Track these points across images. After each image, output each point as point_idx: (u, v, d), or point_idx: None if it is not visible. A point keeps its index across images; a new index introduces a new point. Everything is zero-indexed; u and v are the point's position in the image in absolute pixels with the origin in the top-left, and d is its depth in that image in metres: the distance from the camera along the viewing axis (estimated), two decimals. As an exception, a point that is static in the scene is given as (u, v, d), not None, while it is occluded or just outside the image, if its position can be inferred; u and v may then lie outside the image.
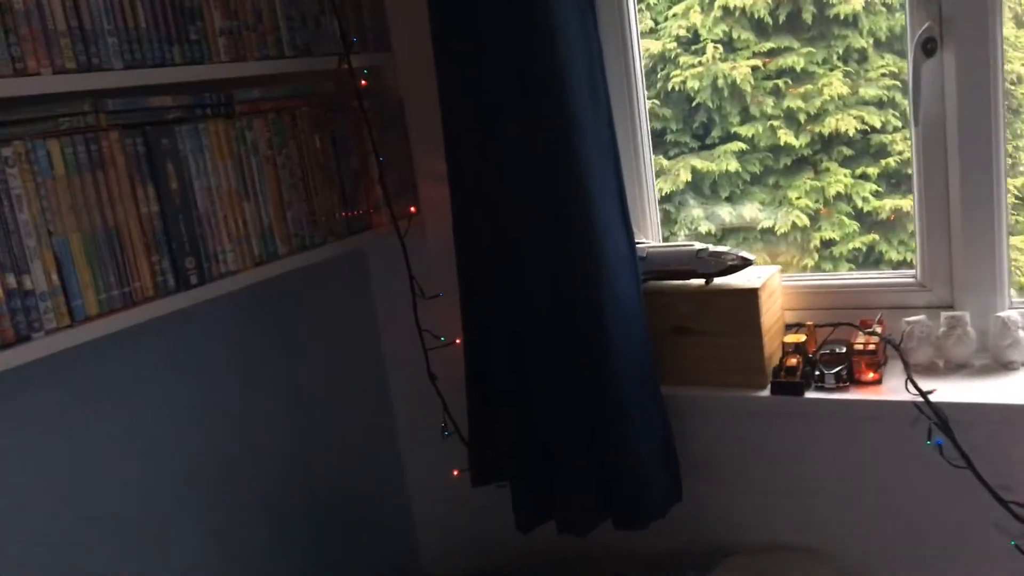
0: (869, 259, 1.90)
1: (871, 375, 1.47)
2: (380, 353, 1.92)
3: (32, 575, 1.23)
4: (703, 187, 1.99)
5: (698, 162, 1.97)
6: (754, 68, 1.91)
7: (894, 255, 1.90)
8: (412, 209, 1.70)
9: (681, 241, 1.70)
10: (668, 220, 1.99)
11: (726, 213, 1.97)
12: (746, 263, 1.54)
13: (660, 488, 1.53)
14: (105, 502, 1.34)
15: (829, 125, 1.88)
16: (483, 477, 1.67)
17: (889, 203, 1.89)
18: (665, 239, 1.78)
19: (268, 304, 1.63)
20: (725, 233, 1.97)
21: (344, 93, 1.56)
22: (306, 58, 1.49)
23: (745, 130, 1.92)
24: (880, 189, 1.88)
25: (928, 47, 1.42)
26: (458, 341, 1.66)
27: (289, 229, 1.44)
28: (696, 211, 1.99)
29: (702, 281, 1.57)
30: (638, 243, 1.60)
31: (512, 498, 1.61)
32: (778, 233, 1.93)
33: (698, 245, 1.57)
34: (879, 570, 1.54)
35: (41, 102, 1.09)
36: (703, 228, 1.98)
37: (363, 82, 1.57)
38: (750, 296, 1.51)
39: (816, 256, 1.93)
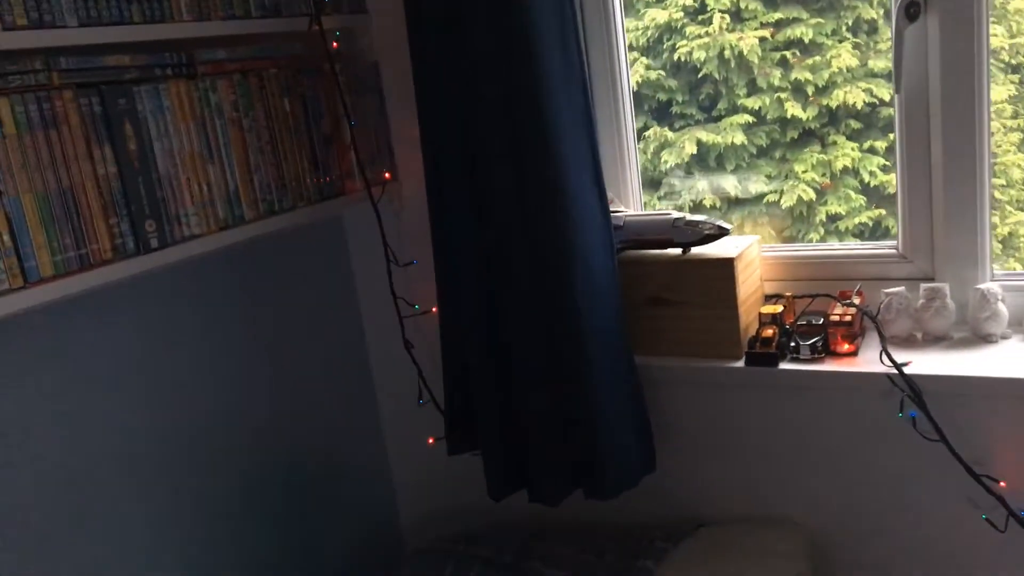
0: (876, 233, 1.88)
1: (847, 347, 1.45)
2: (359, 321, 1.91)
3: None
4: (709, 160, 1.96)
5: (704, 134, 1.94)
6: (762, 39, 1.87)
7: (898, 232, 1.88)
8: (386, 175, 1.68)
9: (658, 210, 1.67)
10: (672, 194, 1.97)
11: (731, 186, 1.95)
12: (723, 232, 1.51)
13: (632, 458, 1.51)
14: (65, 472, 1.33)
15: (837, 97, 1.85)
16: (458, 446, 1.67)
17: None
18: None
19: (244, 270, 1.62)
20: (730, 206, 1.95)
21: (315, 55, 1.53)
22: (274, 19, 1.46)
23: (752, 102, 1.90)
24: (888, 163, 1.85)
25: (911, 11, 1.38)
26: (434, 310, 1.64)
27: (256, 193, 1.42)
28: (701, 184, 1.96)
29: (679, 251, 1.54)
30: (614, 212, 1.57)
31: (484, 467, 1.60)
32: (783, 207, 1.91)
33: (675, 214, 1.54)
34: (850, 541, 1.53)
35: (-10, 59, 1.07)
36: (707, 202, 1.95)
37: (335, 44, 1.54)
38: (726, 266, 1.49)
39: (821, 230, 1.91)
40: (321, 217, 1.65)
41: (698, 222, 1.52)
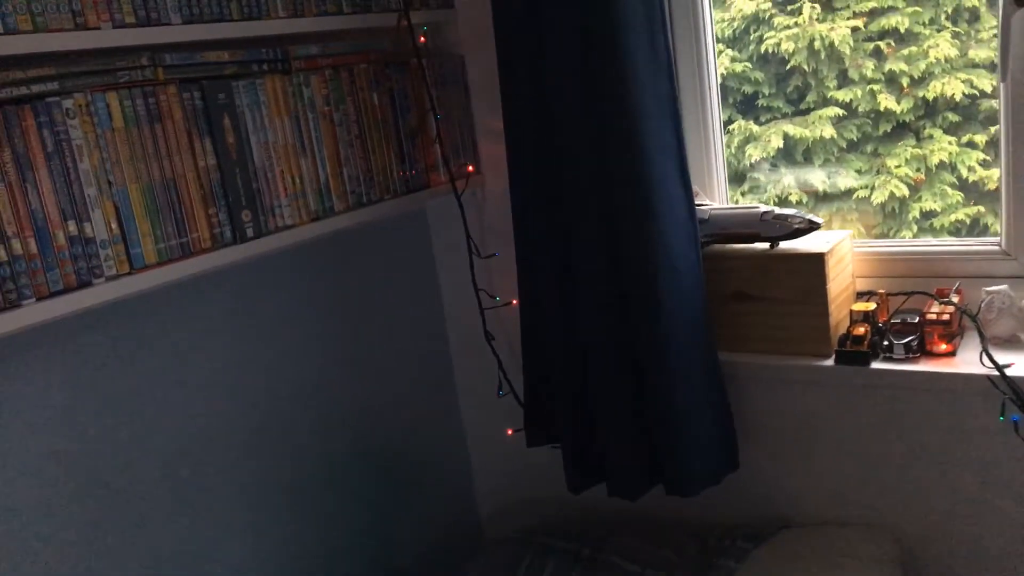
0: (973, 231, 1.79)
1: (944, 346, 1.40)
2: (440, 311, 1.94)
3: (82, 518, 1.30)
4: (796, 154, 1.91)
5: (791, 128, 1.89)
6: (854, 29, 1.81)
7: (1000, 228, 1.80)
8: (470, 168, 1.69)
9: (746, 203, 1.64)
10: (757, 187, 1.92)
11: (818, 181, 1.89)
12: (813, 227, 1.47)
13: (713, 456, 1.49)
14: (160, 451, 1.39)
15: (934, 89, 1.76)
16: (537, 438, 1.68)
17: (997, 173, 1.77)
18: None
19: (330, 260, 1.66)
20: (817, 202, 1.89)
21: (403, 50, 1.56)
22: (365, 14, 1.49)
23: (843, 95, 1.83)
24: (988, 158, 1.77)
25: (1021, -5, 1.31)
26: (514, 302, 1.65)
27: (346, 186, 1.46)
28: (787, 179, 1.92)
29: (766, 245, 1.51)
30: (700, 204, 1.55)
31: (563, 460, 1.60)
32: (874, 203, 1.84)
33: (763, 207, 1.51)
34: (942, 548, 1.48)
35: (100, 56, 1.12)
36: (793, 197, 1.90)
37: (422, 38, 1.56)
38: (816, 261, 1.45)
39: (915, 228, 1.84)
40: (406, 209, 1.67)
41: (787, 216, 1.48)
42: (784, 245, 1.50)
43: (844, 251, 1.52)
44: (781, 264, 1.48)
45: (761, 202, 1.90)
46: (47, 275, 1.06)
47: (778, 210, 1.50)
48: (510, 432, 1.73)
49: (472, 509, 2.05)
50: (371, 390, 1.77)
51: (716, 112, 1.67)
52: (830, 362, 1.46)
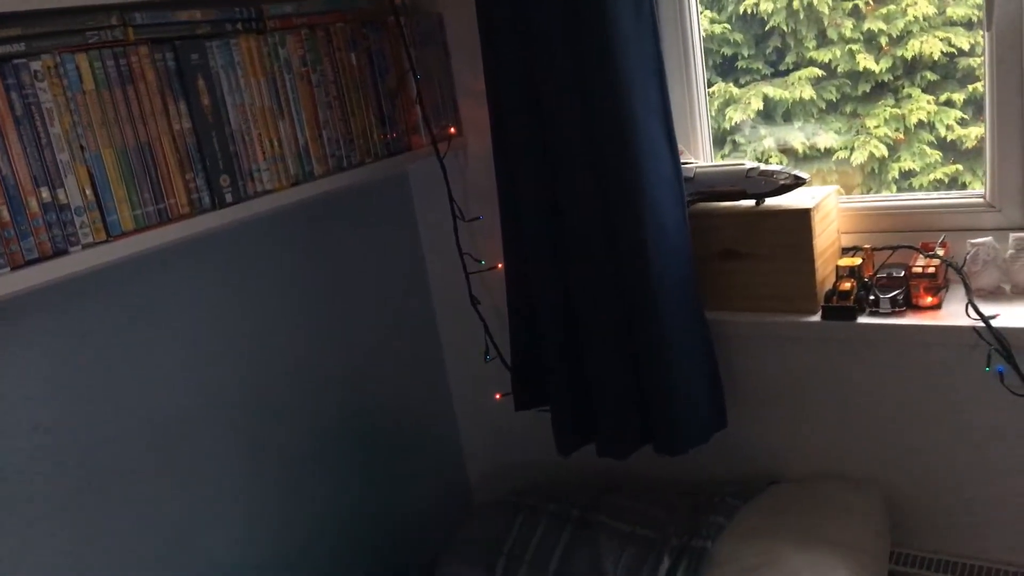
0: (952, 191, 1.79)
1: (929, 299, 1.40)
2: (425, 276, 1.92)
3: (66, 493, 1.27)
4: (776, 115, 1.90)
5: (771, 89, 1.87)
6: (833, -12, 1.79)
7: (979, 186, 1.80)
8: (451, 130, 1.67)
9: (731, 161, 1.63)
10: (737, 150, 1.91)
11: (798, 142, 1.88)
12: (799, 182, 1.47)
13: (702, 414, 1.50)
14: (144, 425, 1.37)
15: (912, 48, 1.75)
16: (525, 401, 1.67)
17: (975, 131, 1.77)
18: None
19: (311, 226, 1.63)
20: (797, 163, 1.89)
21: (380, 8, 1.52)
22: (340, -29, 1.45)
23: (821, 55, 1.82)
24: (966, 116, 1.76)
25: (1007, -59, 1.30)
26: (499, 266, 1.64)
27: (325, 149, 1.43)
28: (767, 140, 1.91)
29: (752, 202, 1.50)
30: (685, 163, 1.54)
31: (552, 421, 1.60)
32: (854, 164, 1.84)
33: (748, 164, 1.50)
34: (929, 500, 1.50)
35: (68, 15, 1.08)
36: (774, 160, 1.89)
37: (399, -4, 1.53)
38: (802, 217, 1.44)
39: (894, 188, 1.84)
40: (388, 173, 1.65)
41: (773, 172, 1.47)
42: (770, 202, 1.49)
43: (830, 207, 1.52)
44: (767, 221, 1.48)
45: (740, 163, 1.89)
46: (21, 243, 1.03)
47: (763, 167, 1.49)
48: (498, 396, 1.72)
49: (462, 473, 2.06)
50: (357, 357, 1.75)
51: (700, 71, 1.65)
52: (817, 318, 1.46)
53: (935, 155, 1.81)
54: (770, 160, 1.88)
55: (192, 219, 1.22)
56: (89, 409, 1.29)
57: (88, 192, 1.10)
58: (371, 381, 1.79)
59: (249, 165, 1.30)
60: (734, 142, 1.94)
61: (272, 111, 1.34)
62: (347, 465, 1.74)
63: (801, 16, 1.81)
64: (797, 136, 1.90)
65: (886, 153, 1.83)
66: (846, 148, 1.86)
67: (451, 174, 1.66)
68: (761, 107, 1.89)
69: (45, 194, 1.05)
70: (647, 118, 1.38)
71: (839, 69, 1.82)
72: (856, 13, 1.79)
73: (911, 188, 1.83)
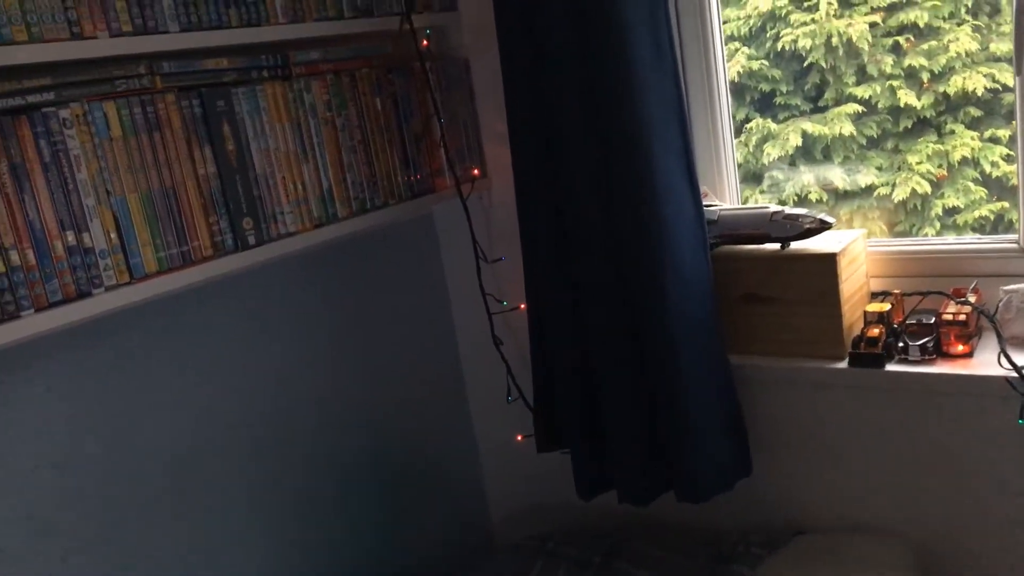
0: (998, 228, 1.76)
1: (960, 348, 1.36)
2: (449, 316, 1.92)
3: (85, 531, 1.29)
4: (815, 152, 1.88)
5: (809, 125, 1.86)
6: (872, 24, 1.78)
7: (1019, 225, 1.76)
8: (475, 171, 1.68)
9: (756, 204, 1.61)
10: (775, 186, 1.90)
11: (838, 179, 1.86)
12: (825, 226, 1.44)
13: (724, 461, 1.46)
14: (164, 461, 1.38)
15: (955, 84, 1.73)
16: (547, 443, 1.66)
17: (1022, 168, 1.73)
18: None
19: (338, 267, 1.65)
20: (837, 200, 1.86)
21: (406, 53, 1.55)
22: (367, 19, 1.48)
23: (861, 91, 1.80)
24: (1012, 153, 1.73)
25: (1036, -15, 1.28)
26: (522, 307, 1.64)
27: (349, 191, 1.45)
28: (806, 177, 1.89)
29: (777, 246, 1.48)
30: (708, 206, 1.52)
31: (573, 465, 1.58)
32: (895, 200, 1.81)
33: (773, 207, 1.48)
34: (960, 555, 1.44)
35: (97, 65, 1.12)
36: (813, 196, 1.87)
37: (425, 42, 1.55)
38: (828, 262, 1.41)
39: (938, 224, 1.80)
40: (412, 214, 1.66)
41: (798, 216, 1.45)
42: (795, 245, 1.47)
43: (857, 251, 1.49)
44: (792, 265, 1.46)
45: (780, 201, 1.87)
46: (46, 286, 1.06)
47: (788, 210, 1.47)
48: (520, 438, 1.71)
49: (483, 515, 2.04)
50: (380, 396, 1.76)
51: (726, 111, 1.64)
52: (843, 364, 1.43)
53: (980, 192, 1.78)
54: (809, 197, 1.86)
55: (215, 261, 1.24)
56: (105, 447, 1.31)
57: (113, 235, 1.13)
58: (394, 420, 1.79)
59: (272, 208, 1.33)
60: (772, 178, 1.92)
61: (296, 155, 1.36)
62: (367, 504, 1.74)
63: (840, 52, 1.80)
64: (837, 173, 1.88)
65: (929, 190, 1.80)
66: (887, 185, 1.83)
67: (475, 215, 1.67)
68: (800, 143, 1.88)
69: (71, 238, 1.08)
70: (667, 160, 1.38)
71: (880, 105, 1.81)
72: (896, 49, 1.78)
73: (955, 225, 1.80)
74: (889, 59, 1.77)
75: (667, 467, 1.48)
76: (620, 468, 1.53)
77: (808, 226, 1.44)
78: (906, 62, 1.77)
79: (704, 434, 1.43)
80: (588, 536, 1.67)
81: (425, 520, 1.86)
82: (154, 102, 1.16)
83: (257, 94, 1.30)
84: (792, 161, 1.90)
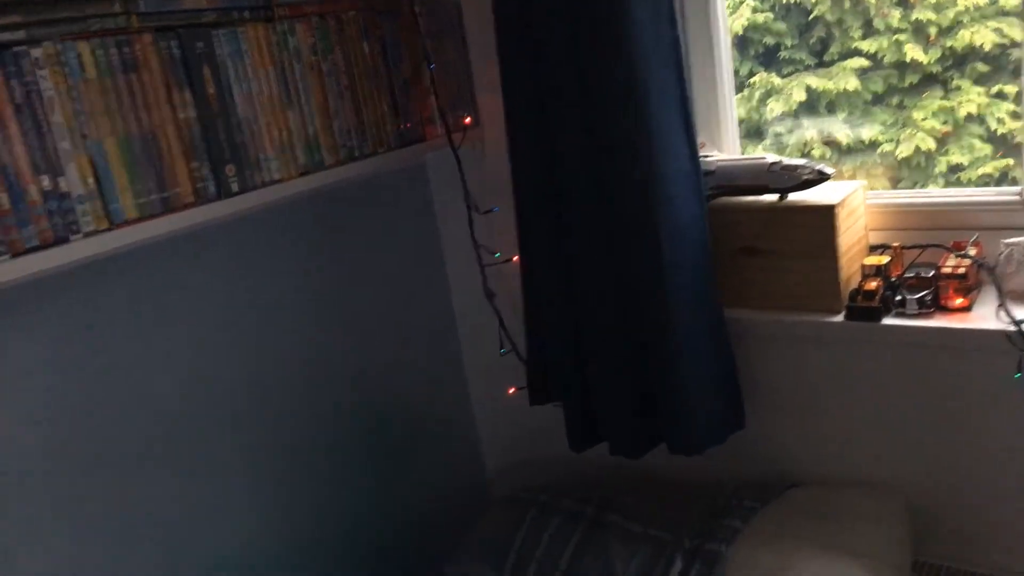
0: (1001, 185, 1.72)
1: (959, 301, 1.34)
2: (443, 268, 1.90)
3: (67, 487, 1.27)
4: (819, 107, 1.84)
5: (814, 80, 1.82)
6: (880, -23, 1.73)
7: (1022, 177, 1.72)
8: (466, 120, 1.64)
9: (753, 154, 1.57)
10: (778, 142, 1.86)
11: (842, 134, 1.83)
12: (824, 177, 1.41)
13: (717, 414, 1.45)
14: (143, 414, 1.36)
15: (963, 39, 1.68)
16: (540, 396, 1.65)
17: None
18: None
19: (328, 217, 1.62)
20: (841, 156, 1.83)
21: (395, -4, 1.50)
22: (353, -41, 1.43)
23: (868, 45, 1.76)
24: (1019, 109, 1.69)
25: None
26: (515, 259, 1.61)
27: (336, 139, 1.41)
28: (809, 132, 1.85)
29: (775, 197, 1.45)
30: (706, 156, 1.49)
31: (565, 418, 1.57)
32: (899, 157, 1.78)
33: (771, 157, 1.45)
34: (953, 510, 1.44)
35: (71, 3, 1.07)
36: (816, 151, 1.84)
37: (414, -16, 1.50)
38: (826, 214, 1.39)
39: (941, 181, 1.77)
40: (401, 164, 1.63)
41: (796, 166, 1.42)
42: (793, 197, 1.44)
43: (856, 203, 1.46)
44: (789, 217, 1.43)
45: (782, 156, 1.83)
46: (21, 231, 1.03)
47: (786, 160, 1.44)
48: (512, 391, 1.70)
49: (479, 468, 2.04)
50: (372, 350, 1.74)
51: (726, 60, 1.60)
52: (840, 318, 1.41)
53: (985, 149, 1.74)
54: (812, 153, 1.83)
55: (197, 208, 1.21)
56: (90, 400, 1.29)
57: (90, 180, 1.09)
58: (386, 374, 1.78)
59: (256, 154, 1.29)
60: (775, 134, 1.89)
61: (280, 100, 1.32)
62: (361, 458, 1.73)
63: (846, 5, 1.75)
64: (841, 128, 1.85)
65: (933, 146, 1.77)
66: (892, 141, 1.80)
67: (468, 165, 1.63)
68: (804, 98, 1.84)
69: (46, 182, 1.05)
70: (662, 109, 1.34)
71: (886, 60, 1.76)
72: (904, 3, 1.73)
73: (959, 182, 1.77)
74: (896, 13, 1.72)
75: (659, 419, 1.47)
76: (612, 420, 1.52)
77: (806, 177, 1.41)
78: (913, 16, 1.72)
79: (697, 387, 1.42)
80: (581, 489, 1.67)
81: (420, 474, 1.86)
82: (131, 42, 1.12)
83: (239, 36, 1.26)
84: (795, 116, 1.86)
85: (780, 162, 1.43)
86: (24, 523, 1.22)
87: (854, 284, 1.43)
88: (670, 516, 1.53)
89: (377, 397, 1.77)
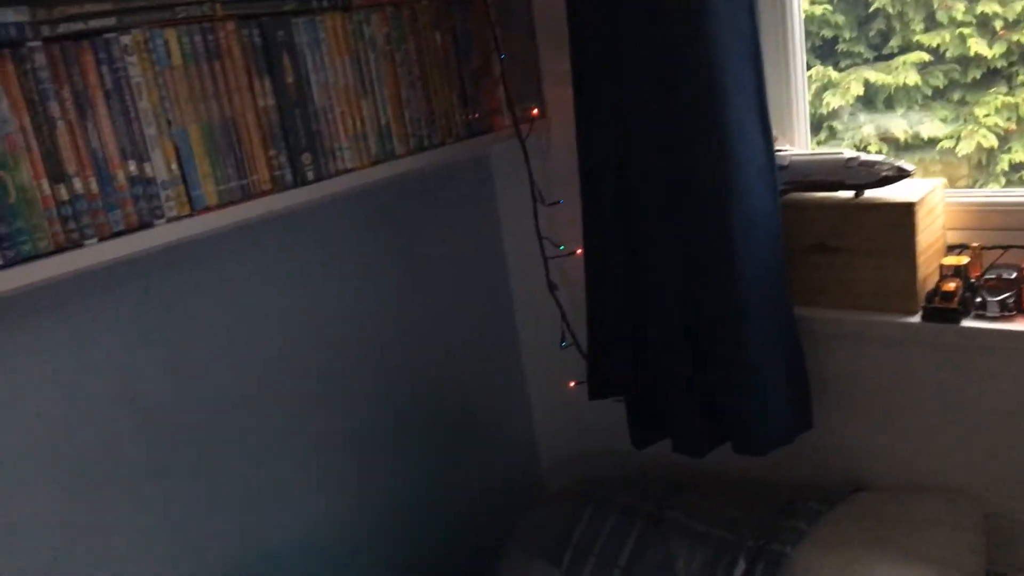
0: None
1: (1044, 304, 1.30)
2: (503, 259, 1.90)
3: (152, 460, 1.31)
4: (877, 102, 1.80)
5: (872, 74, 1.77)
6: (944, -32, 1.68)
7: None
8: (534, 111, 1.63)
9: (829, 149, 1.54)
10: (834, 137, 1.83)
11: (900, 130, 1.78)
12: (903, 174, 1.37)
13: (784, 414, 1.43)
14: (216, 396, 1.38)
15: (1030, 33, 1.63)
16: (600, 391, 1.64)
17: (1095, 123, 1.64)
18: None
19: (391, 205, 1.62)
20: (898, 152, 1.79)
21: (466, -14, 1.49)
22: (428, -51, 1.43)
23: (929, 39, 1.71)
24: (1088, 107, 1.64)
25: None
26: (579, 252, 1.60)
27: (407, 129, 1.42)
28: (866, 128, 1.81)
29: (850, 194, 1.42)
30: (779, 150, 1.46)
31: (627, 414, 1.56)
32: (960, 154, 1.73)
33: (848, 153, 1.42)
34: (1030, 520, 1.39)
35: (159, -9, 1.09)
36: (872, 147, 1.80)
37: (486, -27, 1.50)
38: (905, 211, 1.35)
39: (1003, 180, 1.72)
40: (468, 154, 1.63)
41: (874, 162, 1.39)
42: (869, 194, 1.41)
43: (935, 201, 1.42)
44: (866, 214, 1.39)
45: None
46: (108, 215, 1.05)
47: (864, 156, 1.40)
48: (572, 384, 1.69)
49: (534, 460, 2.03)
50: (431, 338, 1.74)
51: (799, 53, 1.56)
52: (916, 319, 1.37)
53: (1052, 147, 1.69)
54: (868, 148, 1.78)
55: (274, 196, 1.22)
56: (166, 381, 1.32)
57: (174, 166, 1.11)
58: (445, 363, 1.78)
59: (331, 143, 1.30)
60: (831, 128, 1.85)
61: (355, 89, 1.33)
62: (418, 447, 1.74)
63: (908, -2, 1.71)
64: (899, 124, 1.80)
65: (996, 144, 1.72)
66: (952, 138, 1.75)
67: (532, 157, 1.62)
68: (862, 92, 1.80)
69: (132, 167, 1.07)
70: (739, 101, 1.32)
71: (948, 54, 1.72)
72: (969, -6, 1.68)
73: (1021, 182, 1.72)
74: (960, 5, 1.67)
75: (725, 418, 1.45)
76: (676, 418, 1.50)
77: (885, 173, 1.38)
78: (979, 8, 1.67)
79: (766, 386, 1.40)
80: (639, 485, 1.66)
81: (475, 463, 1.87)
82: (214, 30, 1.13)
83: (317, 25, 1.26)
84: (852, 111, 1.82)
85: (858, 158, 1.40)
86: (111, 496, 1.26)
87: (931, 285, 1.40)
88: (732, 515, 1.51)
89: (435, 387, 1.77)
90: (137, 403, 1.28)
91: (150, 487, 1.30)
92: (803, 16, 1.58)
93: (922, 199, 1.36)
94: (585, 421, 1.83)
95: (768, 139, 1.36)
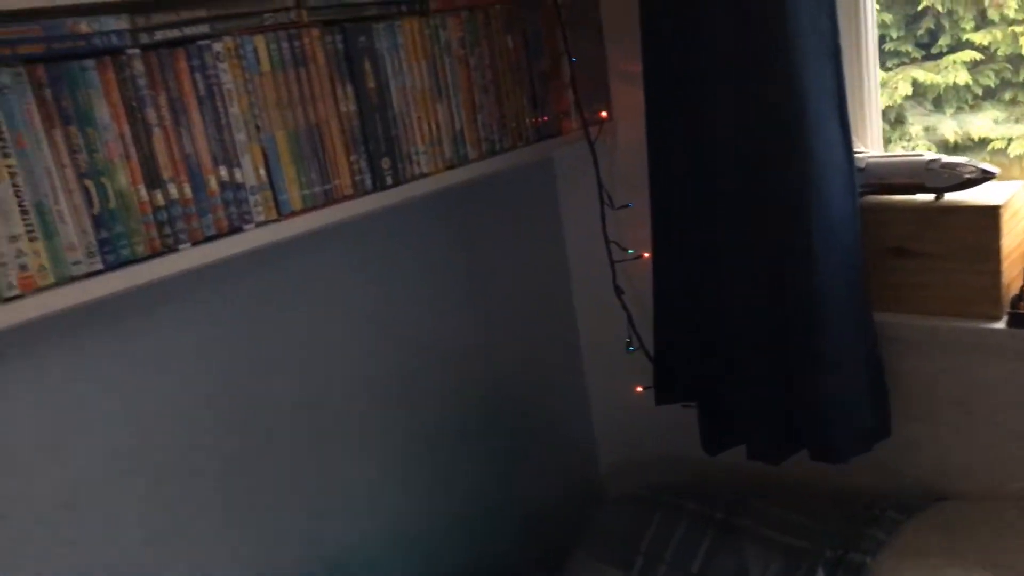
0: None
1: None
2: (566, 263, 1.89)
3: (229, 456, 1.33)
4: (925, 101, 1.77)
5: (921, 73, 1.75)
6: (997, -37, 1.64)
7: None
8: (603, 114, 1.62)
9: (907, 151, 1.51)
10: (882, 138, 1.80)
11: (949, 131, 1.75)
12: (987, 177, 1.34)
13: (863, 421, 1.40)
14: (291, 399, 1.40)
15: (1087, 31, 1.59)
16: (667, 395, 1.62)
17: None
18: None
19: (456, 209, 1.63)
20: (947, 153, 1.75)
21: (537, -11, 1.49)
22: (501, -48, 1.43)
23: (980, 37, 1.68)
24: None
25: None
26: (646, 255, 1.59)
27: (479, 133, 1.41)
28: (914, 128, 1.78)
29: (930, 196, 1.39)
30: (857, 152, 1.44)
31: (699, 419, 1.54)
32: (1012, 155, 1.69)
33: (929, 155, 1.39)
34: None
35: (247, -1, 1.10)
36: (920, 148, 1.77)
37: (556, -26, 1.49)
38: (990, 215, 1.32)
39: (1061, 184, 1.68)
40: (537, 157, 1.62)
41: (956, 164, 1.36)
42: (951, 196, 1.38)
43: (1020, 203, 1.39)
44: (948, 217, 1.36)
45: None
46: (201, 220, 1.06)
47: (946, 158, 1.37)
48: (640, 389, 1.68)
49: (593, 465, 2.02)
50: (496, 342, 1.74)
51: (872, 53, 1.53)
52: (1001, 325, 1.34)
53: (1106, 149, 1.65)
54: (916, 148, 1.76)
55: (355, 200, 1.23)
56: (247, 383, 1.33)
57: (262, 172, 1.12)
58: (509, 366, 1.78)
59: (408, 148, 1.30)
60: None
61: (431, 94, 1.33)
62: (480, 451, 1.74)
63: (959, -4, 1.67)
64: (949, 124, 1.77)
65: (1051, 145, 1.68)
66: (1004, 138, 1.72)
67: (600, 159, 1.61)
68: (910, 92, 1.77)
69: (224, 173, 1.08)
70: (819, 103, 1.30)
71: (999, 52, 1.68)
72: (1022, -8, 1.64)
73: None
74: (1013, 2, 1.63)
75: (802, 425, 1.43)
76: (750, 424, 1.48)
77: (968, 176, 1.35)
78: (1032, 5, 1.63)
79: (846, 392, 1.37)
80: (708, 491, 1.64)
81: (536, 467, 1.86)
82: (300, 36, 1.14)
83: (396, 30, 1.26)
84: (900, 111, 1.79)
85: (939, 159, 1.37)
86: (198, 487, 1.29)
87: (1015, 290, 1.37)
88: (807, 524, 1.49)
89: (500, 389, 1.77)
90: (216, 404, 1.29)
91: (231, 486, 1.32)
92: (876, 18, 1.56)
93: (1007, 202, 1.33)
94: (644, 426, 1.81)
95: (848, 141, 1.34)
